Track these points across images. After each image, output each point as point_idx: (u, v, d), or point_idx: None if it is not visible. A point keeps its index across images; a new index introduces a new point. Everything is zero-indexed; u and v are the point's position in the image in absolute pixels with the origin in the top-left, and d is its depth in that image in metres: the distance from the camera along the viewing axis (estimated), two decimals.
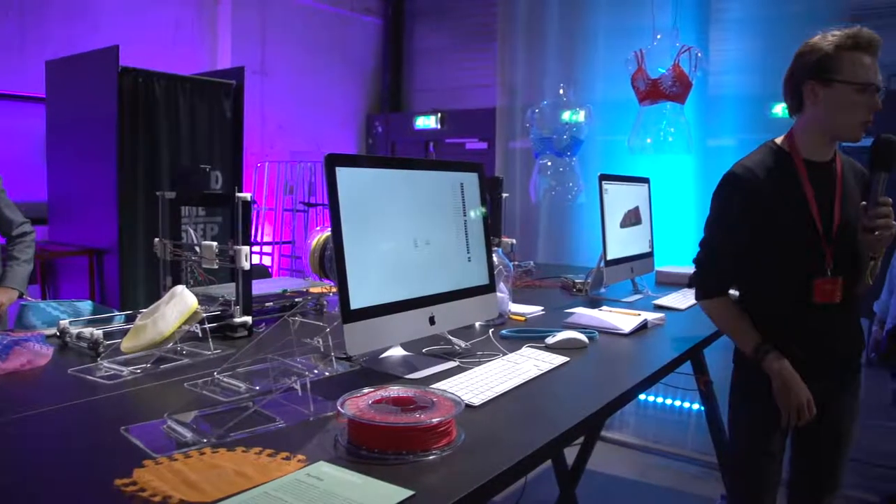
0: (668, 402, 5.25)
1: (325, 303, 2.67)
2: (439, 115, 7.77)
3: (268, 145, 7.49)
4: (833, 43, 2.01)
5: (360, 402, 1.40)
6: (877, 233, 2.00)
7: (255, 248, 7.39)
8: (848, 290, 2.12)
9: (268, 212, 7.48)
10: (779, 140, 2.20)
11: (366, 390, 1.47)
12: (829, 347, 2.18)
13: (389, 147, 8.22)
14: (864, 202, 2.04)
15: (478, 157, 6.94)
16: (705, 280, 2.25)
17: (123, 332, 2.05)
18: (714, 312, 2.26)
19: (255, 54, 7.26)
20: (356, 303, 1.71)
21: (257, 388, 1.70)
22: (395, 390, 1.48)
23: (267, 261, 7.41)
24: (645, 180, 3.63)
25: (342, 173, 1.70)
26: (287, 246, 7.50)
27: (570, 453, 3.89)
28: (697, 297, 2.29)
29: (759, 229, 2.11)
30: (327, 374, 1.87)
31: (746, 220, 2.11)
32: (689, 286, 3.32)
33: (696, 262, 2.27)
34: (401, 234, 1.87)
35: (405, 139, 8.21)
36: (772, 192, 2.09)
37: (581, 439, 3.96)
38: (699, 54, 4.38)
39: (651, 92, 4.40)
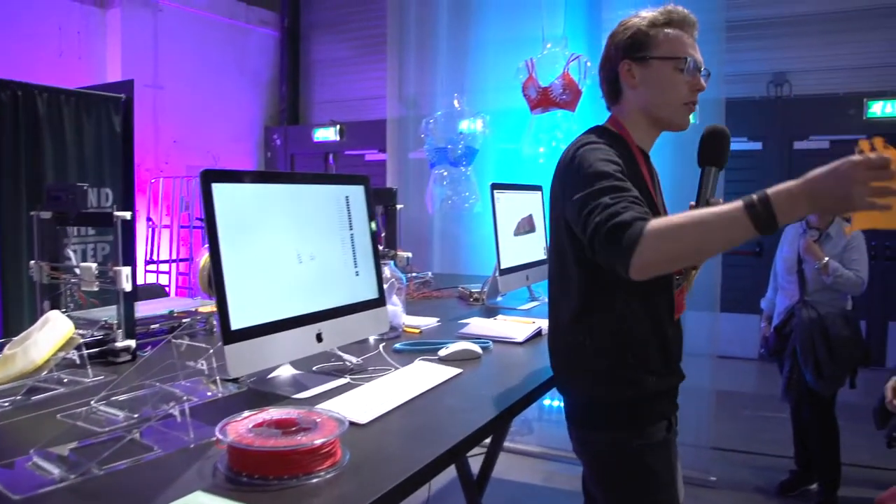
0: None
1: (214, 323, 2.59)
2: (338, 126, 7.73)
3: (162, 160, 7.30)
4: (647, 19, 1.83)
5: (240, 427, 1.35)
6: None
7: (152, 267, 7.20)
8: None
9: (164, 229, 7.29)
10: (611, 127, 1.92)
11: (246, 413, 1.42)
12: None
13: (288, 160, 8.12)
14: (693, 202, 1.85)
15: (377, 169, 6.89)
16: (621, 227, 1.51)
17: None
18: (660, 237, 1.47)
19: (147, 66, 7.07)
20: (237, 323, 1.66)
21: (136, 416, 1.62)
22: (276, 412, 1.43)
23: (164, 279, 7.21)
24: (538, 188, 3.66)
25: (219, 189, 1.65)
26: (185, 264, 7.32)
27: (476, 463, 3.89)
28: (626, 259, 1.49)
29: None
30: (215, 396, 1.80)
31: None
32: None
33: (599, 224, 1.56)
34: (283, 250, 1.82)
35: (304, 152, 8.13)
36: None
37: (486, 448, 3.96)
38: (588, 63, 4.45)
39: (542, 100, 4.45)
